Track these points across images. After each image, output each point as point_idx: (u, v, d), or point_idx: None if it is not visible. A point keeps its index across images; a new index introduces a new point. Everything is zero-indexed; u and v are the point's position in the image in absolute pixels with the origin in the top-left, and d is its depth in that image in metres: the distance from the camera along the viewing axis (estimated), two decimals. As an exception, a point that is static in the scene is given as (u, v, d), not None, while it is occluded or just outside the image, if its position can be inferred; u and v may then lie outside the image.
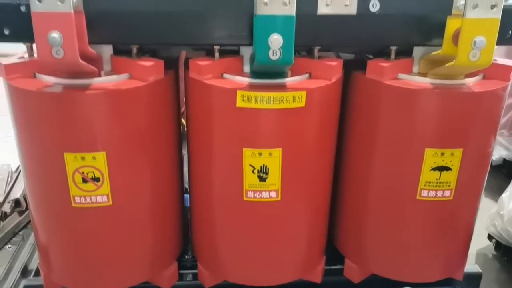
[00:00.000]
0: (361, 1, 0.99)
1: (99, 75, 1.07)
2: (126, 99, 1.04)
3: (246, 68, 1.14)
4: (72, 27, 0.91)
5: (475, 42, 0.96)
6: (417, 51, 1.15)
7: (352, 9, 0.99)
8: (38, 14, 0.88)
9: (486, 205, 2.20)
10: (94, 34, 1.01)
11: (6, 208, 1.99)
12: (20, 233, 1.92)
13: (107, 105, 1.02)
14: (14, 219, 1.96)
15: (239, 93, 1.03)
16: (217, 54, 1.10)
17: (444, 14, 1.02)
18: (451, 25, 1.02)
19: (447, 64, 1.04)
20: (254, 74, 1.10)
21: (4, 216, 1.98)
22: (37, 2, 0.87)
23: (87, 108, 1.01)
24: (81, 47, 0.97)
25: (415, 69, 1.17)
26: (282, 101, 1.04)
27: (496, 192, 2.23)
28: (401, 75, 1.13)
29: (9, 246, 1.85)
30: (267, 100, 1.03)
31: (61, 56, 0.92)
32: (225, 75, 1.10)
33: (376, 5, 0.99)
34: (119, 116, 1.04)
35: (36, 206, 1.18)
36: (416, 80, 1.11)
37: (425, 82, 1.10)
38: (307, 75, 1.12)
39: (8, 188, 2.08)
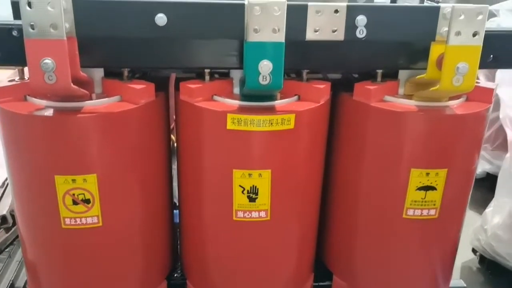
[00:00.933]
0: (349, 28, 1.01)
1: (90, 98, 1.08)
2: (117, 122, 1.05)
3: (236, 90, 1.16)
4: (65, 53, 0.92)
5: (458, 68, 1.00)
6: (403, 74, 1.18)
7: (340, 35, 1.02)
8: (31, 41, 0.89)
9: (470, 218, 2.24)
10: (85, 58, 1.02)
11: (-8, 224, 1.98)
12: (7, 250, 1.91)
13: (98, 128, 1.03)
14: (0, 236, 1.94)
15: (229, 116, 1.05)
16: (207, 77, 1.12)
17: (428, 39, 1.05)
18: (435, 50, 1.06)
19: (431, 89, 1.07)
20: (244, 96, 1.12)
21: (-10, 233, 1.96)
22: (31, 30, 0.88)
23: (78, 131, 1.02)
24: (73, 71, 0.98)
25: (401, 91, 1.20)
26: (271, 123, 1.06)
27: (480, 205, 2.28)
28: (387, 97, 1.16)
29: (-5, 263, 1.84)
30: (257, 123, 1.05)
31: (54, 82, 0.93)
32: (216, 98, 1.12)
33: (362, 31, 1.01)
34: (110, 138, 1.05)
35: (26, 225, 1.18)
36: (402, 102, 1.15)
37: (410, 104, 1.13)
38: (296, 98, 1.14)
39: (-6, 204, 2.06)
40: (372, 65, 1.14)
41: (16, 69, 1.14)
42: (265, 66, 0.97)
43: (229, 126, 1.06)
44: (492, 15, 2.17)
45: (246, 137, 1.07)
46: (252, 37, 0.95)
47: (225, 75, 1.17)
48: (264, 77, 0.98)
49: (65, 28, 0.93)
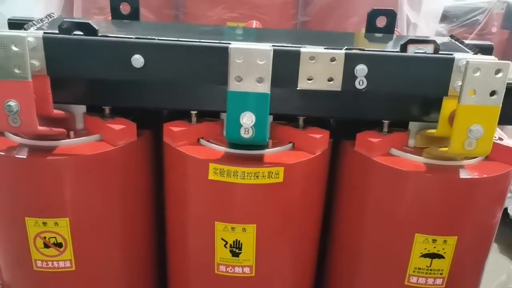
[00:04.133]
0: (347, 77, 0.90)
1: (68, 136, 1.01)
2: (91, 165, 0.98)
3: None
4: (30, 95, 0.85)
5: (470, 130, 0.86)
6: (414, 124, 1.05)
7: (337, 85, 0.90)
8: (-8, 82, 0.83)
9: (499, 260, 2.06)
10: (63, 94, 0.96)
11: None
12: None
13: (70, 170, 0.96)
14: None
15: (211, 165, 0.96)
16: (194, 119, 1.03)
17: (439, 93, 0.92)
18: (448, 105, 0.92)
19: (441, 149, 0.94)
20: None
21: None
22: (-8, 70, 0.82)
23: (49, 173, 0.95)
24: (44, 111, 0.92)
25: (411, 142, 1.07)
26: (257, 176, 0.96)
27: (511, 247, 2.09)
28: (394, 151, 1.04)
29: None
30: (241, 175, 0.96)
31: (18, 125, 0.87)
32: (202, 141, 1.03)
33: (362, 82, 0.90)
34: (84, 182, 0.98)
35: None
36: (409, 158, 1.02)
37: (419, 161, 1.00)
38: (290, 146, 1.04)
39: None
40: (376, 116, 1.02)
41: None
42: (247, 118, 0.87)
43: (211, 176, 0.97)
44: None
45: (229, 189, 0.98)
46: (234, 86, 0.86)
47: (216, 115, 1.07)
48: (246, 129, 0.88)
49: (35, 67, 0.87)
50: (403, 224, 1.02)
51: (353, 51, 0.90)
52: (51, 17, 1.16)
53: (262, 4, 1.74)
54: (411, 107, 1.00)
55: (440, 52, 0.94)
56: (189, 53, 0.89)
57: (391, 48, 1.03)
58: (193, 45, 0.89)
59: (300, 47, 0.96)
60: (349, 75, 0.90)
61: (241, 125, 0.88)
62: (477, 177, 0.97)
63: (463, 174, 0.98)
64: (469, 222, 1.01)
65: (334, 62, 0.89)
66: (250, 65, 0.84)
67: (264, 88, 0.85)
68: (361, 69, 0.89)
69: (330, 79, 0.91)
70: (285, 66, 0.88)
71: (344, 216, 1.14)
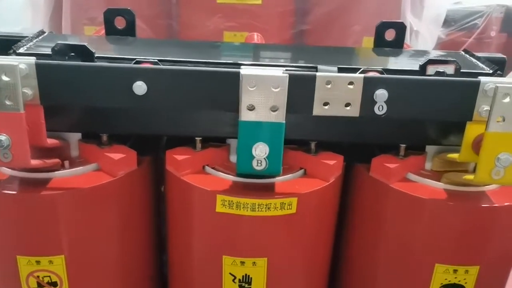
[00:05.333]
0: (365, 103, 0.83)
1: (62, 165, 0.93)
2: (90, 198, 0.90)
3: (233, 158, 1.00)
4: (22, 129, 0.78)
5: (499, 159, 0.81)
6: (430, 147, 1.00)
7: (355, 111, 0.84)
8: (-19, 115, 0.75)
9: None
10: (57, 121, 0.89)
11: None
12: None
13: (65, 205, 0.89)
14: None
15: (219, 197, 0.89)
16: (199, 145, 0.96)
17: (464, 117, 0.86)
18: (471, 131, 0.86)
19: (464, 177, 0.89)
20: (241, 168, 0.95)
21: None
22: (-20, 103, 0.74)
23: (42, 209, 0.88)
24: (38, 142, 0.84)
25: (428, 165, 1.01)
26: (269, 208, 0.89)
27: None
28: (411, 176, 0.98)
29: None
30: (252, 207, 0.89)
31: (9, 160, 0.79)
32: (207, 169, 0.96)
33: (382, 107, 0.83)
34: (81, 217, 0.91)
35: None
36: (428, 183, 0.96)
37: (438, 187, 0.95)
38: (301, 172, 0.97)
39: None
40: (394, 140, 0.96)
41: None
42: (261, 150, 0.80)
43: (219, 209, 0.90)
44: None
45: (239, 222, 0.91)
46: (246, 115, 0.79)
47: (221, 140, 1.01)
48: (259, 161, 0.82)
49: (27, 96, 0.79)
50: (423, 253, 0.96)
51: (372, 74, 0.84)
52: (41, 34, 1.08)
53: (260, 13, 1.67)
54: (430, 130, 0.94)
55: (461, 71, 0.88)
56: (196, 79, 0.82)
57: (407, 67, 0.97)
58: (200, 71, 0.82)
59: (313, 67, 0.90)
60: (368, 100, 0.83)
61: (253, 157, 0.81)
62: (500, 204, 0.92)
63: (486, 202, 0.92)
64: (491, 250, 0.96)
65: (352, 87, 0.83)
66: (263, 93, 0.77)
67: (279, 117, 0.79)
68: (381, 94, 0.82)
69: (347, 105, 0.84)
70: (299, 92, 0.82)
71: (356, 244, 1.08)
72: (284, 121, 0.79)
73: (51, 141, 0.89)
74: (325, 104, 0.84)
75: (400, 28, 1.20)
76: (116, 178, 0.92)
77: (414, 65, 0.98)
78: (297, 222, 0.93)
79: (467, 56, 1.10)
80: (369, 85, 0.82)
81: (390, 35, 1.22)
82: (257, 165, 0.82)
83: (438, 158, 0.99)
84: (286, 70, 0.83)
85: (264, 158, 0.81)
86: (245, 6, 1.68)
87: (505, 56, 1.13)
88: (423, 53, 1.16)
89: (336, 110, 0.84)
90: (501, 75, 1.03)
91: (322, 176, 0.95)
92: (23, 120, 0.78)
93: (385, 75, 0.84)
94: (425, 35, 1.84)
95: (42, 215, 0.88)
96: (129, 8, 1.18)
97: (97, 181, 0.91)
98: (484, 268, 0.96)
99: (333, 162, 0.95)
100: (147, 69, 0.81)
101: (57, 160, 0.91)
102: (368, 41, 1.76)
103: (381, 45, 1.21)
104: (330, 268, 1.10)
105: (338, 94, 0.83)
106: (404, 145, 0.97)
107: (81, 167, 0.94)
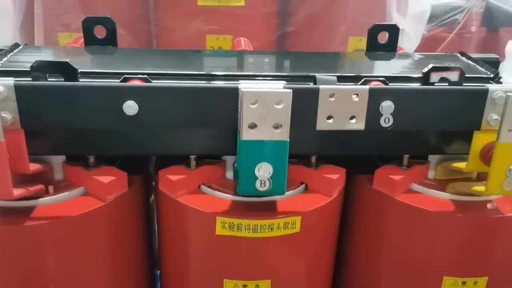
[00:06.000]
0: (371, 115, 0.79)
1: (47, 191, 0.86)
2: (78, 226, 0.84)
3: (229, 174, 0.95)
4: (3, 158, 0.71)
5: (510, 170, 0.78)
6: (434, 156, 0.96)
7: (360, 125, 0.80)
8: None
9: None
10: (37, 145, 0.82)
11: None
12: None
13: (54, 236, 0.82)
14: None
15: (218, 219, 0.84)
16: (193, 163, 0.91)
17: (471, 126, 0.83)
18: (479, 140, 0.83)
19: (474, 188, 0.86)
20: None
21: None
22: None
23: (27, 242, 0.81)
24: (20, 169, 0.77)
25: (431, 174, 0.98)
26: (272, 229, 0.85)
27: None
28: (415, 186, 0.95)
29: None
30: (253, 228, 0.84)
31: (-10, 192, 0.72)
32: (203, 188, 0.91)
33: (388, 120, 0.79)
34: (69, 247, 0.84)
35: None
36: (433, 194, 0.93)
37: (444, 198, 0.92)
38: (302, 187, 0.93)
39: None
40: (398, 152, 0.93)
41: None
42: (264, 170, 0.75)
43: (219, 231, 0.85)
44: None
45: (240, 244, 0.86)
46: (247, 134, 0.74)
47: (216, 157, 0.95)
48: (263, 182, 0.77)
49: (6, 121, 0.72)
50: (430, 267, 0.93)
51: (377, 85, 0.80)
52: (16, 47, 1.01)
53: (244, 14, 1.61)
54: (435, 139, 0.91)
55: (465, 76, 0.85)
56: (192, 96, 0.76)
57: (408, 73, 0.93)
58: (197, 88, 0.77)
59: (311, 76, 0.85)
60: (373, 113, 0.79)
61: (256, 177, 0.76)
62: (508, 214, 0.89)
63: (494, 212, 0.90)
64: (500, 260, 0.93)
65: (356, 99, 0.78)
66: (266, 110, 0.72)
67: (282, 135, 0.74)
68: (387, 106, 0.78)
69: (352, 117, 0.80)
70: (301, 106, 0.77)
71: (359, 258, 1.04)
72: (288, 139, 0.74)
73: (33, 167, 0.82)
74: (329, 118, 0.79)
75: (393, 31, 1.16)
76: (106, 202, 0.86)
77: (415, 71, 0.94)
78: (301, 240, 0.89)
79: (464, 58, 1.07)
80: (375, 97, 0.78)
81: (382, 37, 1.18)
82: (261, 186, 0.77)
83: (441, 166, 0.96)
84: (286, 82, 0.78)
85: (268, 178, 0.76)
86: (227, 8, 1.61)
87: (498, 56, 1.11)
88: (419, 56, 1.12)
89: (341, 124, 0.80)
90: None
91: (325, 191, 0.91)
92: (3, 148, 0.71)
93: (391, 86, 0.80)
94: (410, 33, 1.81)
95: (27, 247, 0.81)
96: (109, 16, 1.10)
97: (85, 207, 0.84)
98: (493, 278, 0.94)
99: (336, 177, 0.90)
100: (138, 87, 0.75)
101: (40, 186, 0.84)
102: (354, 41, 1.72)
103: (373, 48, 1.17)
104: (332, 282, 1.06)
105: (342, 107, 0.79)
106: (408, 155, 0.94)
107: (67, 192, 0.87)
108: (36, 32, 1.59)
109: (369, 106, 0.79)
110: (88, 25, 1.10)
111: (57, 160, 0.90)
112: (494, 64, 1.05)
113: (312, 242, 0.91)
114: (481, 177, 0.94)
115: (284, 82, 0.77)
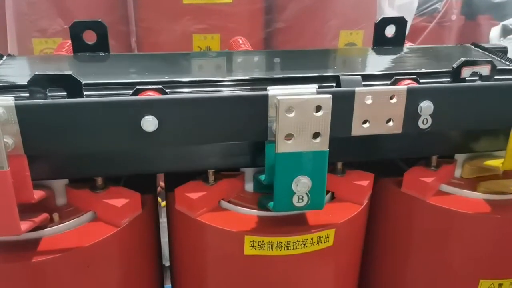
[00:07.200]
0: (409, 117, 0.73)
1: (51, 219, 0.77)
2: (90, 257, 0.75)
3: (249, 187, 0.88)
4: (8, 190, 0.61)
5: (555, 167, 0.74)
6: (461, 154, 0.92)
7: (397, 127, 0.74)
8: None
9: None
10: (38, 170, 0.72)
11: None
12: None
13: (64, 271, 0.73)
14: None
15: (247, 238, 0.77)
16: (211, 178, 0.83)
17: (507, 124, 0.78)
18: (517, 136, 0.79)
19: (513, 187, 0.81)
20: (261, 197, 0.83)
21: None
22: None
23: (33, 279, 0.72)
24: (24, 198, 0.68)
25: (457, 173, 0.93)
26: (305, 245, 0.78)
27: None
28: (445, 187, 0.90)
29: None
30: (286, 246, 0.77)
31: (-6, 230, 0.63)
32: (224, 204, 0.83)
33: (427, 121, 0.74)
34: (81, 280, 0.75)
35: None
36: (466, 195, 0.88)
37: (478, 198, 0.87)
38: (329, 196, 0.87)
39: None
40: (430, 152, 0.88)
41: None
42: (303, 184, 0.68)
43: (248, 251, 0.78)
44: (509, 31, 1.94)
45: (271, 263, 0.79)
46: (284, 146, 0.66)
47: (233, 169, 0.87)
48: (300, 197, 0.70)
49: (8, 146, 0.63)
50: (466, 270, 0.89)
51: (415, 85, 0.74)
52: (1, 58, 0.90)
53: (231, 12, 1.53)
54: (468, 138, 0.86)
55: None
56: (218, 107, 0.68)
57: (436, 68, 0.88)
58: (223, 98, 0.69)
59: (334, 76, 0.79)
60: (411, 114, 0.74)
61: (293, 193, 0.69)
62: (546, 211, 0.85)
63: (532, 210, 0.86)
64: (535, 259, 0.90)
65: (394, 101, 0.72)
66: (304, 119, 0.65)
67: (322, 145, 0.67)
68: (426, 107, 0.73)
69: (388, 120, 0.74)
70: (336, 111, 0.70)
71: (390, 264, 0.98)
72: (328, 149, 0.68)
73: (37, 195, 0.72)
74: (365, 122, 0.73)
75: (401, 24, 1.11)
76: (121, 228, 0.77)
77: (440, 66, 0.89)
78: (333, 254, 0.83)
79: (479, 50, 1.03)
80: (413, 97, 0.73)
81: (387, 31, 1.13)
82: (298, 202, 0.70)
83: (469, 165, 0.92)
84: (318, 85, 0.71)
85: (306, 193, 0.70)
86: (214, 6, 1.53)
87: (506, 46, 1.08)
88: (433, 50, 1.08)
89: (377, 127, 0.74)
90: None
91: (355, 199, 0.85)
92: (8, 179, 0.61)
93: (431, 85, 0.75)
94: (399, 24, 1.78)
95: (34, 285, 0.72)
96: (100, 20, 1.01)
97: (98, 234, 0.76)
98: (529, 278, 0.90)
99: (366, 183, 0.85)
100: (159, 100, 0.67)
101: (45, 215, 0.75)
102: (345, 35, 1.67)
103: (381, 43, 1.11)
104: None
105: (379, 110, 0.73)
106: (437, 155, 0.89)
107: (74, 219, 0.78)
108: (9, 38, 1.46)
109: (407, 107, 0.73)
110: (76, 31, 1.00)
111: (60, 183, 0.81)
112: (504, 54, 1.01)
113: (344, 254, 0.85)
114: (508, 174, 0.91)
115: (316, 85, 0.70)
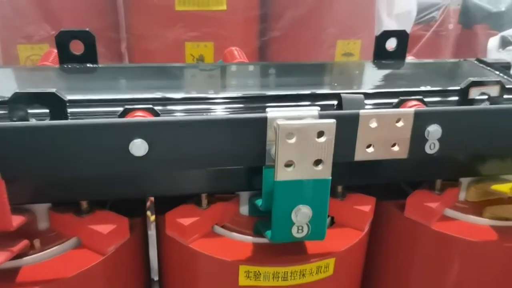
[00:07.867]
0: (415, 141, 0.69)
1: (32, 246, 0.71)
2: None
3: (244, 210, 0.83)
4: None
5: None
6: (466, 178, 0.88)
7: (402, 152, 0.70)
8: None
9: None
10: (21, 194, 0.67)
11: None
12: None
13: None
14: None
15: (242, 268, 0.72)
16: (205, 202, 0.78)
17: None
18: (527, 161, 0.75)
19: (523, 215, 0.77)
20: (257, 222, 0.78)
21: None
22: None
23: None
24: (3, 227, 0.63)
25: (462, 196, 0.89)
26: (303, 275, 0.73)
27: None
28: (449, 212, 0.86)
29: None
30: (283, 276, 0.73)
31: (-34, 263, 0.57)
32: (217, 229, 0.78)
33: (434, 146, 0.70)
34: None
35: None
36: (472, 221, 0.84)
37: (484, 224, 0.83)
38: (328, 220, 0.82)
39: None
40: (436, 176, 0.83)
41: None
42: (303, 214, 0.64)
43: (242, 282, 0.73)
44: (508, 42, 1.90)
45: (266, 293, 0.74)
46: (283, 174, 0.62)
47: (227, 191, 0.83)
48: (300, 227, 0.65)
49: (-18, 171, 0.57)
50: (472, 299, 0.85)
51: (422, 108, 0.70)
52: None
53: (225, 20, 1.48)
54: (475, 161, 0.82)
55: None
56: (212, 131, 0.63)
57: (442, 86, 0.84)
58: (217, 120, 0.64)
59: (335, 94, 0.75)
60: (418, 139, 0.69)
61: (292, 223, 0.65)
62: (556, 238, 0.81)
63: (540, 237, 0.82)
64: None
65: (400, 124, 0.68)
66: (306, 145, 0.61)
67: (324, 172, 0.63)
68: (434, 131, 0.69)
69: (394, 145, 0.69)
70: (339, 135, 0.65)
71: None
72: (330, 177, 0.63)
73: (16, 221, 0.67)
74: (368, 146, 0.69)
75: (402, 37, 1.07)
76: (107, 256, 0.72)
77: (446, 84, 0.85)
78: (333, 283, 0.78)
79: (484, 66, 0.99)
80: (420, 121, 0.68)
81: (390, 44, 1.09)
82: (298, 232, 0.65)
83: (475, 188, 0.87)
84: (318, 106, 0.67)
85: (306, 224, 0.65)
86: (208, 13, 1.48)
87: (509, 61, 1.05)
88: (436, 65, 1.04)
89: (381, 152, 0.69)
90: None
91: (356, 225, 0.81)
92: (-17, 209, 0.56)
93: (439, 108, 0.70)
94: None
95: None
96: (87, 30, 0.95)
97: (82, 263, 0.70)
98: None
99: (368, 208, 0.80)
100: (149, 122, 0.62)
101: (25, 242, 0.69)
102: (342, 44, 1.63)
103: (381, 56, 1.07)
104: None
105: (384, 133, 0.68)
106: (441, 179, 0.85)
107: (56, 246, 0.72)
108: (-6, 44, 1.41)
109: (413, 131, 0.69)
110: (62, 40, 0.95)
111: (42, 207, 0.75)
112: (507, 69, 0.98)
113: (344, 283, 0.81)
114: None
115: (318, 107, 0.66)
